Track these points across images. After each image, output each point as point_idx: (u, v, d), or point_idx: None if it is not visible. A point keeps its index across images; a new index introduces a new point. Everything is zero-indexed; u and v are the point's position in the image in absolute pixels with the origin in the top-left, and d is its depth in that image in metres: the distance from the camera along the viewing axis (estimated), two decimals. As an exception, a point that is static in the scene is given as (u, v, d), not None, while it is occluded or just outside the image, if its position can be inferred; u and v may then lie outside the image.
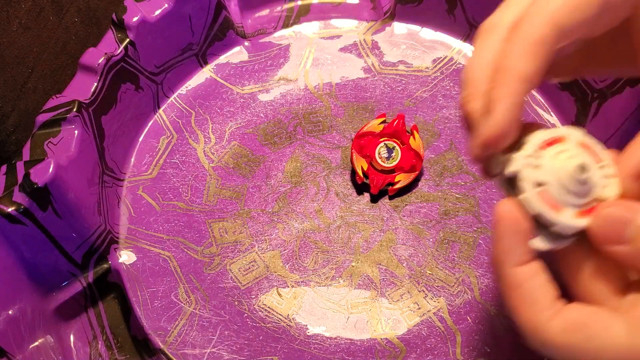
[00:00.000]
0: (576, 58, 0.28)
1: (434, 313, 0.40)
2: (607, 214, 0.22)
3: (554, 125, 0.47)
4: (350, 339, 0.39)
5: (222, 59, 0.52)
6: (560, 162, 0.23)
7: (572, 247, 0.23)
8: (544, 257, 0.24)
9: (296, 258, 0.42)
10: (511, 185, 0.24)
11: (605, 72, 0.28)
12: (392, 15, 0.53)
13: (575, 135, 0.24)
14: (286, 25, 0.53)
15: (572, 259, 0.23)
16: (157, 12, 0.45)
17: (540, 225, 0.23)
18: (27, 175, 0.36)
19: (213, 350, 0.39)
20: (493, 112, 0.22)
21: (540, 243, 0.23)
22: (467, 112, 0.24)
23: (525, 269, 0.22)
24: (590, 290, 0.22)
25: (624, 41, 0.25)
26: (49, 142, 0.39)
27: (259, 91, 0.50)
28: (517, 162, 0.23)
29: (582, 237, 0.23)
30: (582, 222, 0.22)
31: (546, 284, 0.22)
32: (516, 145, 0.24)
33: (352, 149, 0.45)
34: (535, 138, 0.24)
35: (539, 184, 0.23)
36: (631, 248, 0.21)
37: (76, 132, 0.39)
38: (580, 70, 0.28)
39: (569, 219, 0.22)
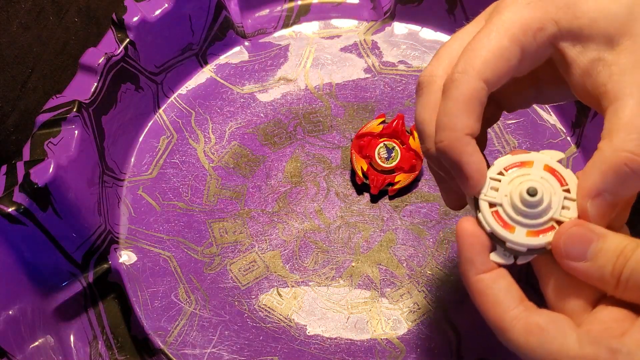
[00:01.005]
0: (527, 89, 0.30)
1: (434, 313, 0.40)
2: (571, 232, 0.23)
3: (554, 126, 0.47)
4: (350, 339, 0.39)
5: (222, 59, 0.52)
6: (513, 185, 0.25)
7: (542, 262, 0.25)
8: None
9: (296, 258, 0.43)
10: (476, 204, 0.26)
11: (556, 98, 0.30)
12: (392, 15, 0.53)
13: (543, 159, 0.25)
14: (286, 25, 0.53)
15: (543, 272, 0.25)
16: (157, 12, 0.45)
17: (498, 241, 0.25)
18: (27, 175, 0.36)
19: (213, 350, 0.39)
20: (461, 170, 0.25)
21: (498, 258, 0.25)
22: (434, 161, 0.27)
23: (487, 276, 0.24)
24: (556, 301, 0.25)
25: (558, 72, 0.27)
26: (49, 142, 0.39)
27: (259, 91, 0.50)
28: None
29: (549, 254, 0.24)
30: (534, 241, 0.24)
31: (509, 287, 0.24)
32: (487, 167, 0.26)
33: (351, 150, 0.45)
34: (501, 162, 0.26)
35: (494, 205, 0.25)
36: (591, 265, 0.23)
37: (76, 132, 0.39)
38: (532, 98, 0.30)
39: (520, 238, 0.24)
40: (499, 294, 0.24)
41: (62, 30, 0.48)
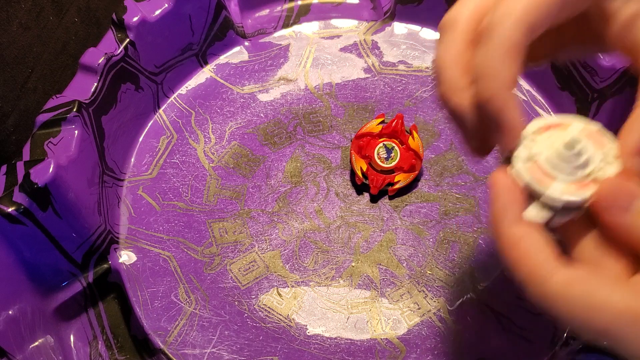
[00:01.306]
0: (547, 44, 0.29)
1: (434, 313, 0.40)
2: (615, 184, 0.22)
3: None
4: (350, 339, 0.39)
5: (222, 59, 0.52)
6: (551, 140, 0.24)
7: (576, 226, 0.24)
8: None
9: (296, 258, 0.43)
10: (510, 162, 0.25)
11: (576, 54, 0.30)
12: (392, 15, 0.53)
13: (580, 124, 0.24)
14: (286, 25, 0.53)
15: (577, 236, 0.24)
16: (157, 12, 0.45)
17: (533, 195, 0.23)
18: (27, 175, 0.36)
19: (213, 350, 0.39)
20: (502, 123, 0.23)
21: (532, 214, 0.23)
22: (452, 107, 0.26)
23: (522, 226, 0.23)
24: (594, 261, 0.23)
25: (588, 25, 0.26)
26: (49, 142, 0.39)
27: (259, 91, 0.50)
28: None
29: (585, 216, 0.23)
30: (572, 196, 0.23)
31: (546, 240, 0.22)
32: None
33: (351, 150, 0.45)
34: (538, 121, 0.25)
35: (530, 159, 0.24)
36: (635, 220, 0.21)
37: (76, 132, 0.39)
38: (551, 54, 0.29)
39: (556, 191, 0.23)
40: (535, 245, 0.22)
41: (62, 30, 0.48)
